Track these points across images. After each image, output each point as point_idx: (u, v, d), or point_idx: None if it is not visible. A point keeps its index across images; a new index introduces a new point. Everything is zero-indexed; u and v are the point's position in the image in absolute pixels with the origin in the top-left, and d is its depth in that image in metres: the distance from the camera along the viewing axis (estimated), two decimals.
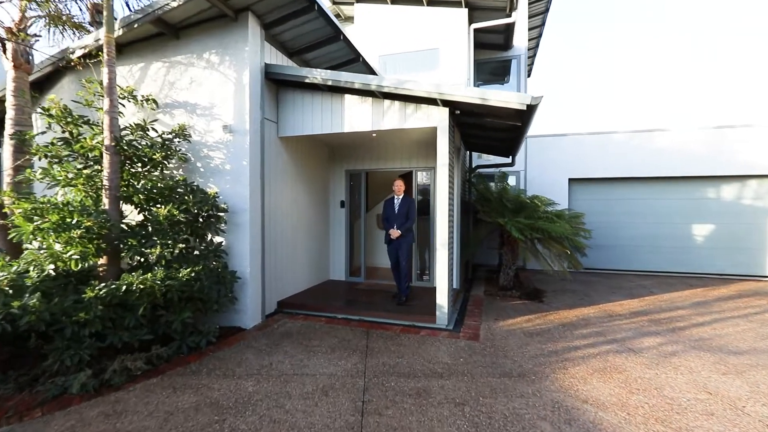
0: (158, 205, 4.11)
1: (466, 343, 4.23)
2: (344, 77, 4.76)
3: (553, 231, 5.86)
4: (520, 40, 9.66)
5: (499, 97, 4.16)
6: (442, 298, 4.74)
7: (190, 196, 4.12)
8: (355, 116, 5.11)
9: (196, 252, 4.42)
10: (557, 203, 7.25)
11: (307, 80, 4.93)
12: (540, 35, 11.79)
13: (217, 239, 4.69)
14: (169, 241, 3.98)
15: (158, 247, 3.76)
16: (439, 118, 4.74)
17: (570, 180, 9.35)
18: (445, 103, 4.66)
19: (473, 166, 8.37)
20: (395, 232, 5.37)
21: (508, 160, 7.98)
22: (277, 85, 5.42)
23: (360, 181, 7.13)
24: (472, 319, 5.15)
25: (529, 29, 10.71)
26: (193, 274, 3.92)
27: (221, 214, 4.59)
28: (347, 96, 5.13)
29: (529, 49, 10.93)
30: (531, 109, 4.14)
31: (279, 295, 5.57)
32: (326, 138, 6.35)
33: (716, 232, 8.54)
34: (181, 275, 3.79)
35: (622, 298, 6.43)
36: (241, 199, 4.69)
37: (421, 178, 6.85)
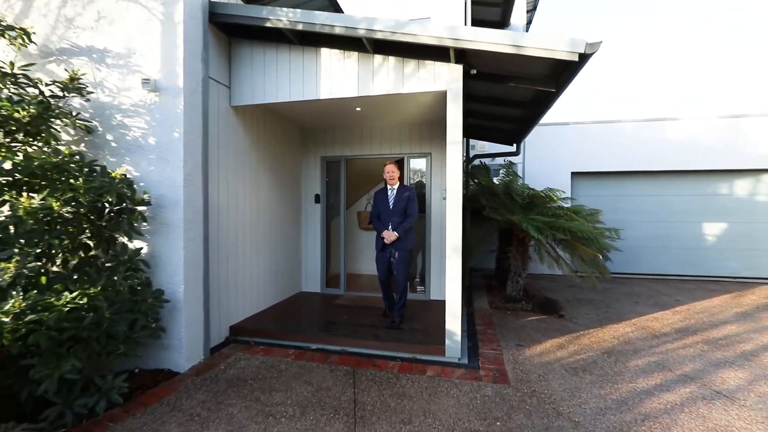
0: (30, 194, 2.64)
1: (494, 389, 3.01)
2: (320, 18, 3.44)
3: (578, 231, 4.77)
4: (518, 16, 8.63)
5: (540, 42, 2.97)
6: (453, 322, 3.51)
7: (80, 180, 2.67)
8: (336, 78, 3.80)
9: (108, 264, 2.99)
10: (573, 198, 6.19)
11: (268, 24, 3.57)
12: (534, 12, 10.84)
13: (136, 244, 3.26)
14: (44, 249, 2.53)
15: (13, 260, 2.30)
16: (449, 79, 3.51)
17: (573, 174, 8.41)
18: (459, 57, 3.43)
19: (470, 156, 7.22)
20: (390, 235, 4.10)
21: (512, 148, 6.88)
22: (229, 36, 4.03)
23: (339, 171, 5.81)
24: (488, 345, 3.96)
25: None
26: (83, 301, 2.50)
27: (140, 208, 3.16)
28: (324, 50, 3.82)
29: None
30: (582, 60, 2.98)
31: (231, 318, 4.16)
32: (296, 113, 4.99)
33: (730, 231, 7.81)
34: (59, 303, 2.36)
35: (650, 309, 5.45)
36: (170, 188, 3.27)
37: (414, 167, 5.61)
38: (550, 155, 8.41)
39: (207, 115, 3.61)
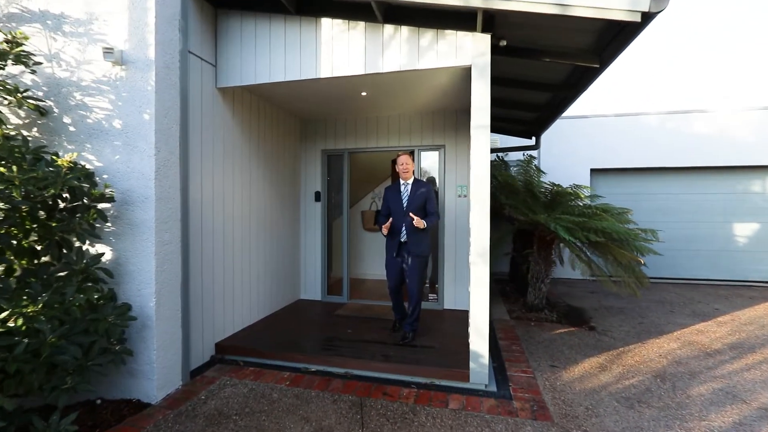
0: None
1: (535, 428, 2.44)
2: None
3: (614, 231, 4.19)
4: None
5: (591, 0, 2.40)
6: (479, 342, 2.94)
7: (14, 168, 2.10)
8: (339, 53, 3.24)
9: (60, 274, 2.44)
10: (600, 196, 5.62)
11: None
12: None
13: (98, 248, 2.70)
14: None
15: None
16: (474, 52, 2.94)
17: (592, 170, 7.82)
18: (486, 25, 2.87)
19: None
20: (419, 221, 3.39)
21: (529, 141, 6.31)
22: (215, 7, 3.47)
23: (342, 166, 5.25)
24: (517, 366, 3.38)
25: None
26: (17, 323, 1.95)
27: (101, 205, 2.60)
28: (325, 21, 3.25)
29: None
30: (645, 20, 2.41)
31: (218, 333, 3.60)
32: (293, 100, 4.43)
33: (764, 232, 7.21)
34: None
35: (689, 319, 4.86)
36: (140, 180, 2.71)
37: (425, 161, 5.04)
38: (568, 151, 7.83)
39: (187, 97, 3.05)
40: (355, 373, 3.18)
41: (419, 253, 3.55)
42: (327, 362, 3.28)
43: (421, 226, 3.43)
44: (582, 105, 7.49)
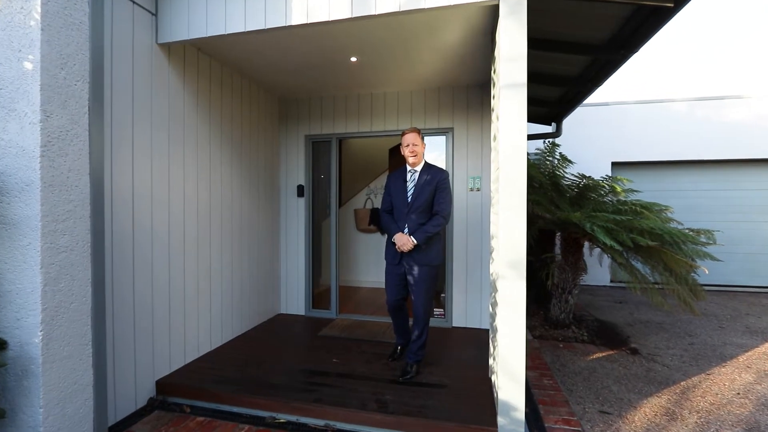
0: None
1: None
2: None
3: (667, 233, 3.36)
4: None
5: None
6: (513, 390, 2.08)
7: None
8: None
9: None
10: (639, 191, 4.79)
11: None
12: None
13: None
14: None
15: None
16: None
17: (613, 164, 7.00)
18: None
19: None
20: (404, 240, 2.68)
21: (549, 128, 5.48)
22: None
23: (329, 155, 4.39)
24: (556, 413, 2.53)
25: None
26: None
27: None
28: None
29: None
30: None
31: (160, 368, 2.73)
32: (265, 67, 3.58)
33: None
34: None
35: (748, 339, 4.04)
36: (17, 158, 1.85)
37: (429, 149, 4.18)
38: (586, 142, 7.00)
39: (103, 47, 2.20)
40: (338, 427, 2.33)
41: (427, 262, 2.71)
42: (301, 411, 2.42)
43: (408, 247, 2.64)
44: (602, 90, 6.71)
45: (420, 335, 2.78)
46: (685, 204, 6.85)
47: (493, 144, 2.70)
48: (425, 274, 2.72)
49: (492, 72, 2.73)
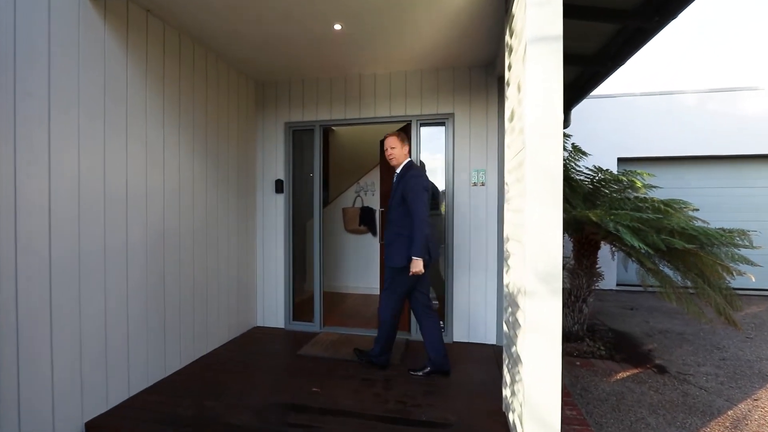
0: None
1: None
2: None
3: (703, 234, 2.89)
4: None
5: None
6: None
7: None
8: None
9: None
10: (658, 186, 4.34)
11: None
12: None
13: None
14: None
15: None
16: None
17: (619, 159, 6.58)
18: None
19: None
20: (416, 264, 2.53)
21: None
22: None
23: (313, 145, 3.85)
24: None
25: None
26: None
27: None
28: None
29: None
30: None
31: (93, 404, 2.15)
32: (235, 38, 3.03)
33: None
34: None
35: None
36: None
37: (425, 138, 3.67)
38: (590, 136, 6.51)
39: None
40: None
41: (388, 263, 2.71)
42: None
43: (417, 269, 2.51)
44: (608, 82, 6.31)
45: (377, 337, 2.77)
46: (695, 202, 6.43)
47: (509, 125, 2.19)
48: (387, 275, 2.72)
49: (507, 37, 2.22)
